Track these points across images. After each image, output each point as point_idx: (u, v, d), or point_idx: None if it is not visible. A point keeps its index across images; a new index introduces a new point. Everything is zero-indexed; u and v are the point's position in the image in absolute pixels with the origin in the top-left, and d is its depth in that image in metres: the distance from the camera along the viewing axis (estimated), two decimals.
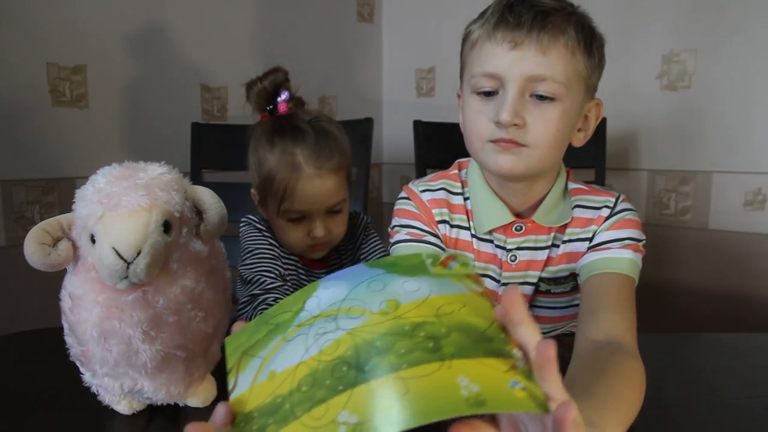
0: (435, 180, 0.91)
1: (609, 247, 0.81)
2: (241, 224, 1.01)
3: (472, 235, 0.87)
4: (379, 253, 1.03)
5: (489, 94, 0.77)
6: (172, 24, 1.52)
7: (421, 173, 1.44)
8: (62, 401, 0.70)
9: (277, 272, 0.93)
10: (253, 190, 0.97)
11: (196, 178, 1.45)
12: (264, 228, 0.99)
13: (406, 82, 2.00)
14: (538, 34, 0.73)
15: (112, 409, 0.67)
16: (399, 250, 0.87)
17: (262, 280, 0.90)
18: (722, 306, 1.48)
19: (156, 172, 0.62)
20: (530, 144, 0.76)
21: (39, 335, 0.95)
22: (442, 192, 0.89)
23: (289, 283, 0.97)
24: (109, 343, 0.60)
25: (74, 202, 0.61)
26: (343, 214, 0.95)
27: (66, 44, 1.35)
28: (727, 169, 1.45)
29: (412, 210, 0.89)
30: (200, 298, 0.64)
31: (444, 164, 1.50)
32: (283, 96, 0.91)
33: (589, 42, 0.76)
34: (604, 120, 1.39)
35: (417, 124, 1.46)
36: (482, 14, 0.80)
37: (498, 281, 0.87)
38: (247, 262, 0.93)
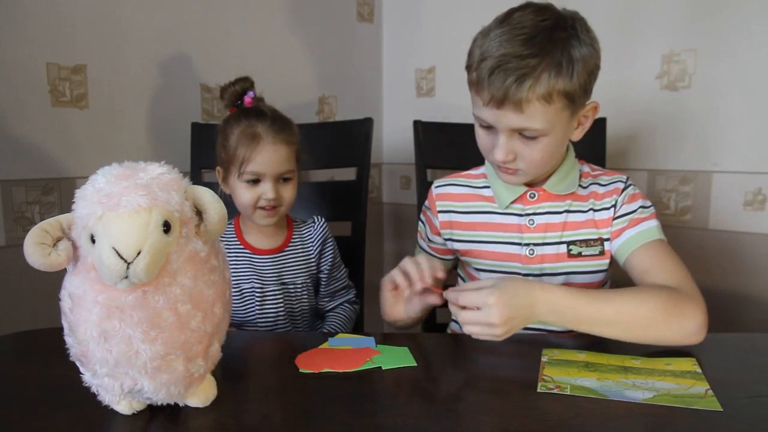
0: (456, 176, 1.12)
1: (637, 220, 0.97)
2: None
3: (495, 213, 1.04)
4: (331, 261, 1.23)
5: (487, 127, 0.93)
6: (172, 24, 1.52)
7: (421, 173, 1.44)
8: (62, 401, 0.71)
9: None
10: (218, 168, 1.16)
11: (196, 178, 1.46)
12: None
13: (406, 82, 2.00)
14: (514, 96, 0.85)
15: (112, 409, 0.67)
16: (416, 251, 1.17)
17: None
18: (722, 306, 1.48)
19: (156, 172, 0.62)
20: (523, 168, 0.94)
21: (39, 335, 0.95)
22: (452, 187, 1.10)
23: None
24: (109, 343, 0.60)
25: (74, 202, 0.61)
26: (292, 183, 1.14)
27: (66, 44, 1.35)
28: (727, 169, 1.45)
29: (423, 209, 1.15)
30: (200, 298, 0.64)
31: (444, 164, 1.49)
32: (250, 95, 1.13)
33: (570, 70, 0.86)
34: (604, 120, 1.39)
35: (417, 124, 1.45)
36: (483, 38, 0.90)
37: (520, 244, 1.02)
38: None
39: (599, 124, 1.39)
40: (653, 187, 1.55)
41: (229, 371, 0.77)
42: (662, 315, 0.83)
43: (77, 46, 1.37)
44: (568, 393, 0.71)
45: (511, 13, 0.90)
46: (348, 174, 1.46)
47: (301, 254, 1.19)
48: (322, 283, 1.23)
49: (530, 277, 1.01)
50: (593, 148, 1.39)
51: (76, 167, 1.39)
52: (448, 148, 1.43)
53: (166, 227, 0.59)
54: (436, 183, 1.12)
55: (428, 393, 0.73)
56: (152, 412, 0.68)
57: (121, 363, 0.61)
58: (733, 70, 1.41)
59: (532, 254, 1.01)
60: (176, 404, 0.68)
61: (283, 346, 0.95)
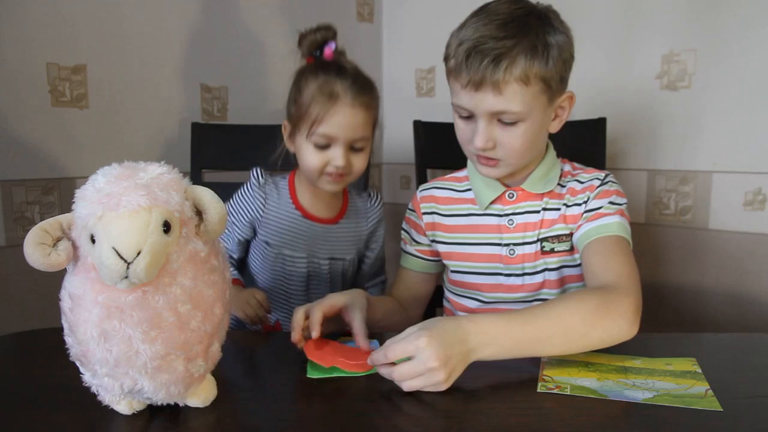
0: (440, 180, 1.12)
1: (598, 215, 0.95)
2: (251, 175, 1.12)
3: (475, 215, 1.04)
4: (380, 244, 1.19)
5: (466, 117, 0.93)
6: (172, 24, 1.52)
7: (421, 173, 1.44)
8: (62, 401, 0.71)
9: (232, 239, 1.10)
10: (285, 122, 1.06)
11: (196, 178, 1.45)
12: (257, 186, 1.09)
13: (406, 82, 2.00)
14: (491, 77, 0.87)
15: (112, 409, 0.67)
16: (401, 257, 1.15)
17: None
18: (722, 306, 1.48)
19: (156, 172, 0.62)
20: (502, 158, 0.94)
21: (39, 335, 0.95)
22: (435, 190, 1.10)
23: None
24: (109, 343, 0.60)
25: (74, 202, 0.61)
26: (364, 153, 1.04)
27: (66, 44, 1.35)
28: (727, 169, 1.45)
29: (406, 215, 1.14)
30: (200, 298, 0.64)
31: (444, 164, 1.49)
32: (331, 46, 1.02)
33: (545, 54, 0.88)
34: (604, 120, 1.39)
35: (417, 124, 1.46)
36: (460, 29, 0.93)
37: (500, 244, 1.02)
38: None
39: (599, 124, 1.39)
40: (653, 187, 1.55)
41: (229, 371, 0.77)
42: (596, 317, 0.78)
43: (77, 46, 1.37)
44: (568, 393, 0.71)
45: (486, 5, 0.93)
46: None
47: (354, 229, 1.13)
48: (367, 261, 1.18)
49: (511, 277, 1.02)
50: (593, 148, 1.39)
51: (76, 167, 1.39)
52: (448, 148, 1.42)
53: (166, 227, 0.59)
54: (420, 187, 1.13)
55: (428, 393, 0.73)
56: (152, 412, 0.68)
57: (121, 363, 0.61)
58: (733, 70, 1.41)
59: (513, 254, 1.01)
60: (176, 404, 0.68)
61: (284, 347, 0.95)
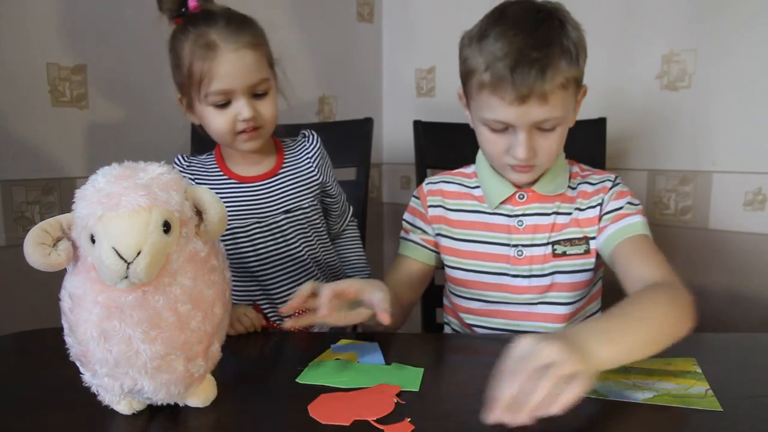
0: (448, 174, 1.10)
1: (621, 215, 0.96)
2: (174, 165, 1.05)
3: (484, 213, 1.03)
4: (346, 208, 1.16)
5: (500, 129, 0.91)
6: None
7: (421, 173, 1.44)
8: (62, 401, 0.71)
9: None
10: (179, 96, 1.00)
11: None
12: (181, 171, 1.02)
13: (406, 82, 2.00)
14: (539, 89, 0.85)
15: (112, 409, 0.67)
16: (401, 245, 1.11)
17: None
18: (722, 306, 1.48)
19: (156, 172, 0.62)
20: (539, 163, 0.94)
21: (39, 335, 0.96)
22: (444, 184, 1.08)
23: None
24: (109, 343, 0.60)
25: (74, 202, 0.61)
26: (270, 97, 0.96)
27: (66, 44, 1.35)
28: (727, 169, 1.45)
29: (410, 205, 1.12)
30: (200, 298, 0.64)
31: (444, 164, 1.50)
32: None
33: (576, 54, 0.88)
34: (604, 120, 1.39)
35: (417, 124, 1.45)
36: (481, 37, 0.88)
37: (509, 245, 1.01)
38: None
39: (599, 124, 1.39)
40: (653, 187, 1.55)
41: (229, 371, 0.77)
42: (682, 316, 0.75)
43: (77, 46, 1.37)
44: None
45: (500, 12, 0.90)
46: (348, 174, 1.46)
47: (299, 172, 1.05)
48: (334, 199, 1.12)
49: (518, 278, 1.01)
50: (593, 148, 1.39)
51: (76, 167, 1.39)
52: (448, 148, 1.43)
53: (166, 227, 0.59)
54: (426, 180, 1.11)
55: (428, 393, 0.73)
56: (152, 412, 0.68)
57: (121, 363, 0.61)
58: (733, 70, 1.40)
59: (521, 255, 1.01)
60: (176, 404, 0.68)
61: (283, 346, 0.95)
